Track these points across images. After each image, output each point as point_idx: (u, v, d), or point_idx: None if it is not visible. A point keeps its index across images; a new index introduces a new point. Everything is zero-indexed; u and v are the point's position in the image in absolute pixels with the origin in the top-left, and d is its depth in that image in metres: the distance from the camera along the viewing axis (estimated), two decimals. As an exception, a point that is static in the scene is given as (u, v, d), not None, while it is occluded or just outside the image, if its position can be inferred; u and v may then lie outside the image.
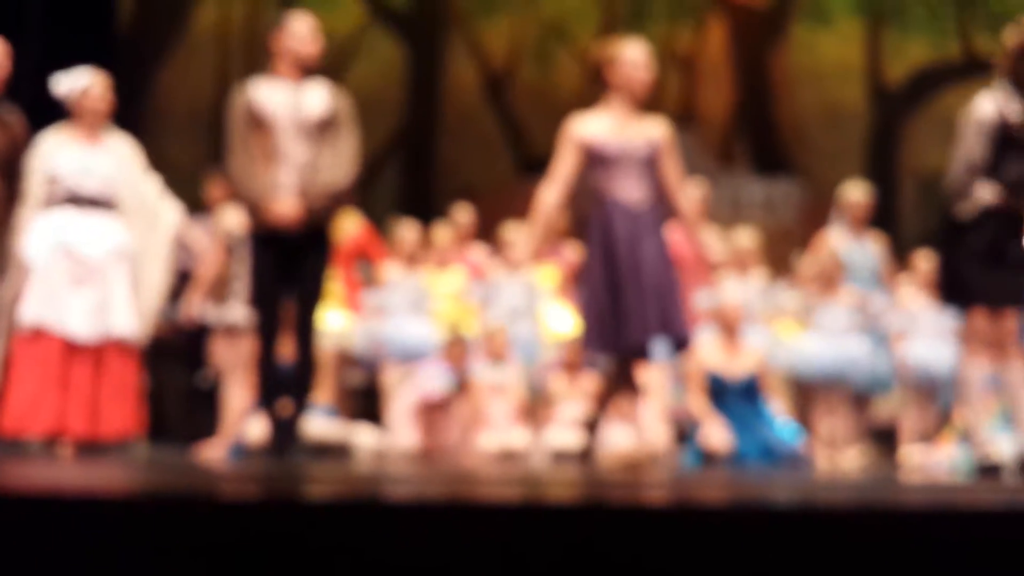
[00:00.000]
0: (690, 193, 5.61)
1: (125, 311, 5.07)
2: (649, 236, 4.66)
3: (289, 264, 4.72)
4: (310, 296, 4.76)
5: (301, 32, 4.78)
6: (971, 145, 4.57)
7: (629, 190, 4.68)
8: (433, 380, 6.59)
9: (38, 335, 4.93)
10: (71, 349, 4.96)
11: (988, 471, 4.52)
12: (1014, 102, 4.57)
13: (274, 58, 4.81)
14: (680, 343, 4.72)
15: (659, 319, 4.58)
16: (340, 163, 4.74)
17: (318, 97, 4.78)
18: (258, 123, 4.71)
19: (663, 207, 4.85)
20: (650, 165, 4.72)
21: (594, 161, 4.69)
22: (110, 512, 1.66)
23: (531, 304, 6.94)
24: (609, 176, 4.68)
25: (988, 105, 4.59)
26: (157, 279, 5.35)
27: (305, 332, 4.77)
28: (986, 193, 4.55)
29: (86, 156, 5.09)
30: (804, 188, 9.67)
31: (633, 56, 4.69)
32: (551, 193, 4.74)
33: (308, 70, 4.80)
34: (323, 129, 4.75)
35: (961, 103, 4.84)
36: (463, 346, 6.57)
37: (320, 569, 1.61)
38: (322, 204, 4.69)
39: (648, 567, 1.65)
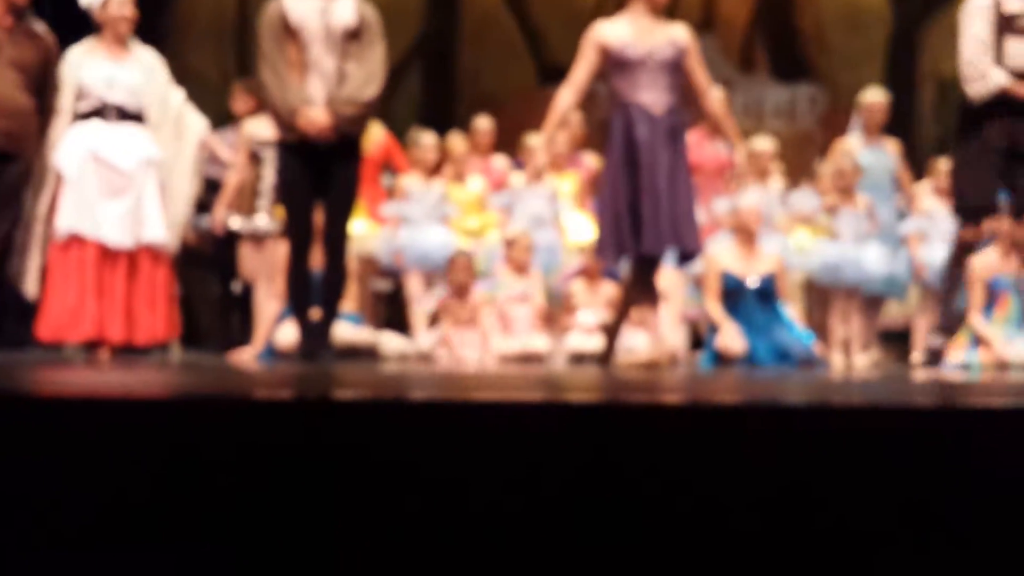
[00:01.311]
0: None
1: (156, 218, 5.17)
2: (669, 144, 4.67)
3: (319, 174, 4.75)
4: (341, 206, 4.80)
5: None
6: (976, 26, 4.63)
7: (652, 96, 4.68)
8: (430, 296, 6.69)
9: (73, 243, 5.03)
10: (105, 255, 5.06)
11: (1000, 370, 4.59)
12: None
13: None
14: (687, 256, 4.78)
15: (672, 229, 4.61)
16: (368, 73, 4.76)
17: (346, 7, 4.78)
18: (290, 34, 4.73)
19: (684, 115, 4.85)
20: (673, 70, 4.71)
21: (616, 66, 4.69)
22: (148, 413, 1.72)
23: (552, 212, 6.97)
24: (632, 82, 4.68)
25: None
26: (185, 188, 5.42)
27: (336, 241, 4.82)
28: (999, 77, 4.60)
29: (113, 67, 5.15)
30: (825, 93, 9.57)
31: None
32: (566, 95, 4.76)
33: None
34: (350, 39, 4.76)
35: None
36: (467, 261, 6.58)
37: (349, 465, 1.68)
38: (351, 114, 4.72)
39: (664, 464, 1.71)
